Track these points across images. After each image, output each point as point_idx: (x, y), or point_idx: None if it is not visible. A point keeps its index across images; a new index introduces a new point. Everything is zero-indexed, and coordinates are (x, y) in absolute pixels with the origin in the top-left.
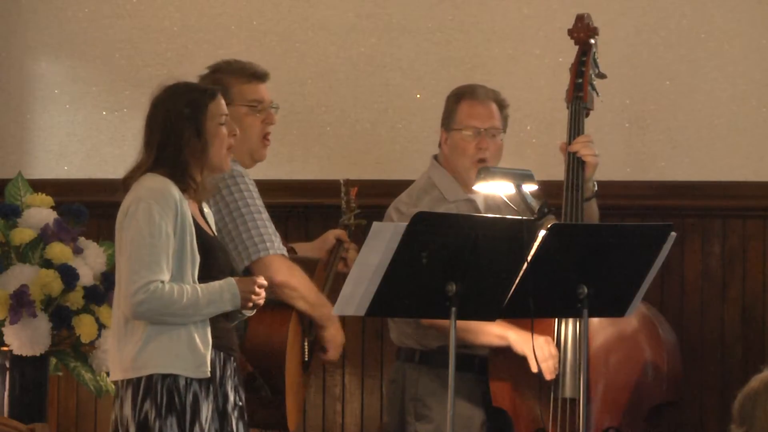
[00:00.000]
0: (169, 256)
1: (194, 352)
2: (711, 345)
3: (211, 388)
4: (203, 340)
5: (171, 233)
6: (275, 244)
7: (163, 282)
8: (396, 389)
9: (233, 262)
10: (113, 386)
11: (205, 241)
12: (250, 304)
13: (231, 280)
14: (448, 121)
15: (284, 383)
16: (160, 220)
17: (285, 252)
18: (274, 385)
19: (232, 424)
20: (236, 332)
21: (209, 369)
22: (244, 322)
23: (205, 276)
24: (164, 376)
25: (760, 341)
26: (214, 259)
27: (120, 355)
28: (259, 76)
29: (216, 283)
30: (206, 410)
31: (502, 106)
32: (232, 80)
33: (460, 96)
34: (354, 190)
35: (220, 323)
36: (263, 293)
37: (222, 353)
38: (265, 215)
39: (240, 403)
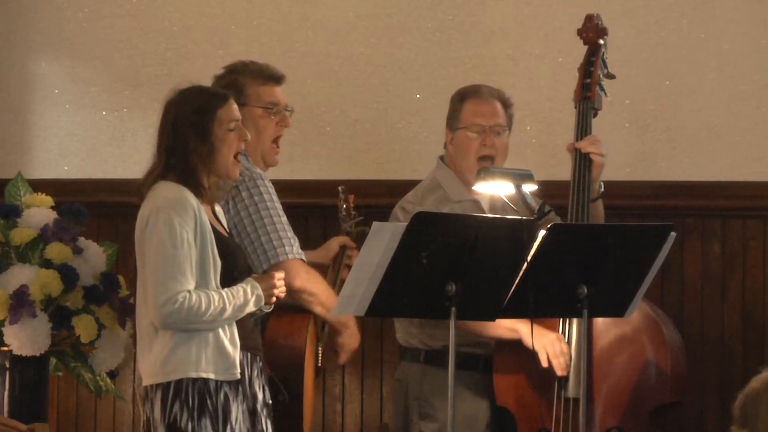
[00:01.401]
0: (193, 264)
1: (223, 355)
2: (711, 345)
3: (241, 389)
4: (232, 342)
5: (192, 242)
6: (294, 248)
7: (189, 291)
8: (400, 388)
9: (251, 262)
10: (113, 386)
11: (222, 244)
12: (273, 300)
13: (252, 281)
14: (452, 120)
15: (302, 388)
16: (181, 230)
17: (303, 256)
18: (292, 390)
19: (262, 423)
20: None
21: (239, 371)
22: (262, 324)
23: (226, 278)
24: (194, 380)
25: (760, 341)
26: (234, 260)
27: (149, 360)
28: (276, 79)
29: (239, 287)
30: (236, 411)
31: (506, 105)
32: (248, 81)
33: (464, 95)
34: (351, 198)
35: (245, 323)
36: (283, 286)
37: (249, 353)
38: (284, 218)
39: (269, 401)
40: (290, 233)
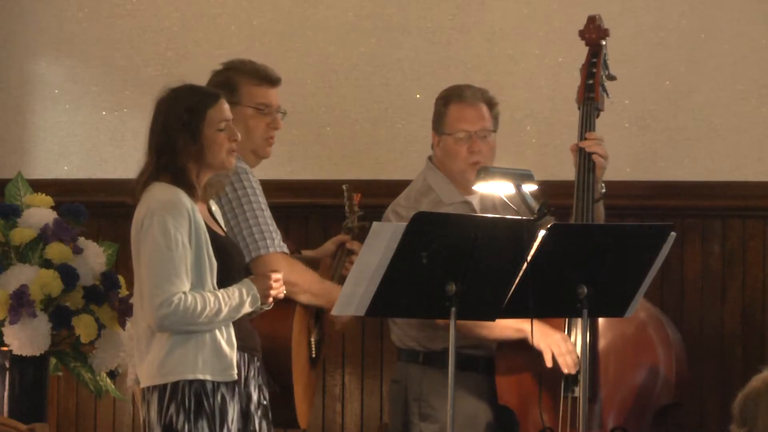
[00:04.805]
0: (188, 265)
1: (220, 356)
2: (711, 345)
3: (236, 390)
4: (228, 343)
5: (187, 243)
6: (275, 241)
7: (185, 293)
8: (399, 389)
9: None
10: (113, 386)
11: (218, 243)
12: (270, 300)
13: (248, 282)
14: (438, 124)
15: (292, 378)
16: (176, 232)
17: (285, 249)
18: (282, 381)
19: (255, 424)
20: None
21: (236, 372)
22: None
23: (223, 278)
24: (191, 382)
25: (760, 341)
26: (230, 259)
27: (145, 362)
28: (271, 81)
29: (235, 288)
30: (232, 411)
31: (491, 105)
32: (242, 80)
33: (448, 99)
34: (357, 196)
35: (242, 324)
36: (281, 287)
37: (246, 354)
38: (267, 213)
39: (264, 402)
40: (272, 227)
